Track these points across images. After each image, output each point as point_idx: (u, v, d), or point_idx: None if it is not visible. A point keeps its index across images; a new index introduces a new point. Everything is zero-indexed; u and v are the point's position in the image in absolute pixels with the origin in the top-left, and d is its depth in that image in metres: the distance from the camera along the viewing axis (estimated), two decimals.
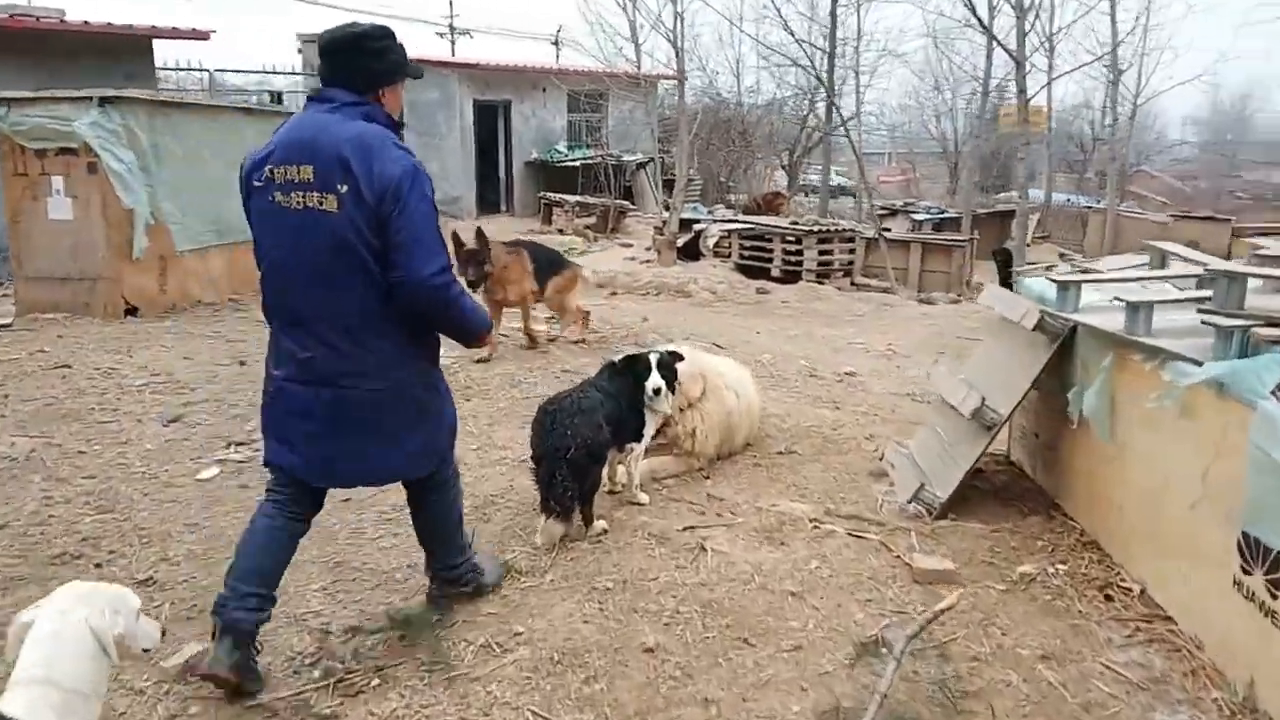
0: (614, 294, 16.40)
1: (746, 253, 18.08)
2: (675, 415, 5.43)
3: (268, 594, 3.08)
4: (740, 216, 20.20)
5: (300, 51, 25.01)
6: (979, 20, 18.08)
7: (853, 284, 17.92)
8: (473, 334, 3.16)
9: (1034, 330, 4.65)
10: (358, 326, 2.89)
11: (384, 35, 2.98)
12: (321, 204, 2.79)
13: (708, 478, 5.53)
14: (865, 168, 21.58)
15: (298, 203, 2.81)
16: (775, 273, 17.67)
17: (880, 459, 5.57)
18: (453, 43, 40.02)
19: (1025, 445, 5.39)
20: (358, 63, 2.91)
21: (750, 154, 30.13)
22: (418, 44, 26.67)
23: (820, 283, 17.50)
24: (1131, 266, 12.85)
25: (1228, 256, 23.94)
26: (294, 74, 24.09)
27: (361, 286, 2.85)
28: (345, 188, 2.77)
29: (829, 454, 5.88)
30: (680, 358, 4.98)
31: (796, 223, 18.45)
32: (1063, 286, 4.58)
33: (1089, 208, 27.03)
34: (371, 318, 2.90)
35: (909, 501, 4.87)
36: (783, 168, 32.19)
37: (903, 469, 5.26)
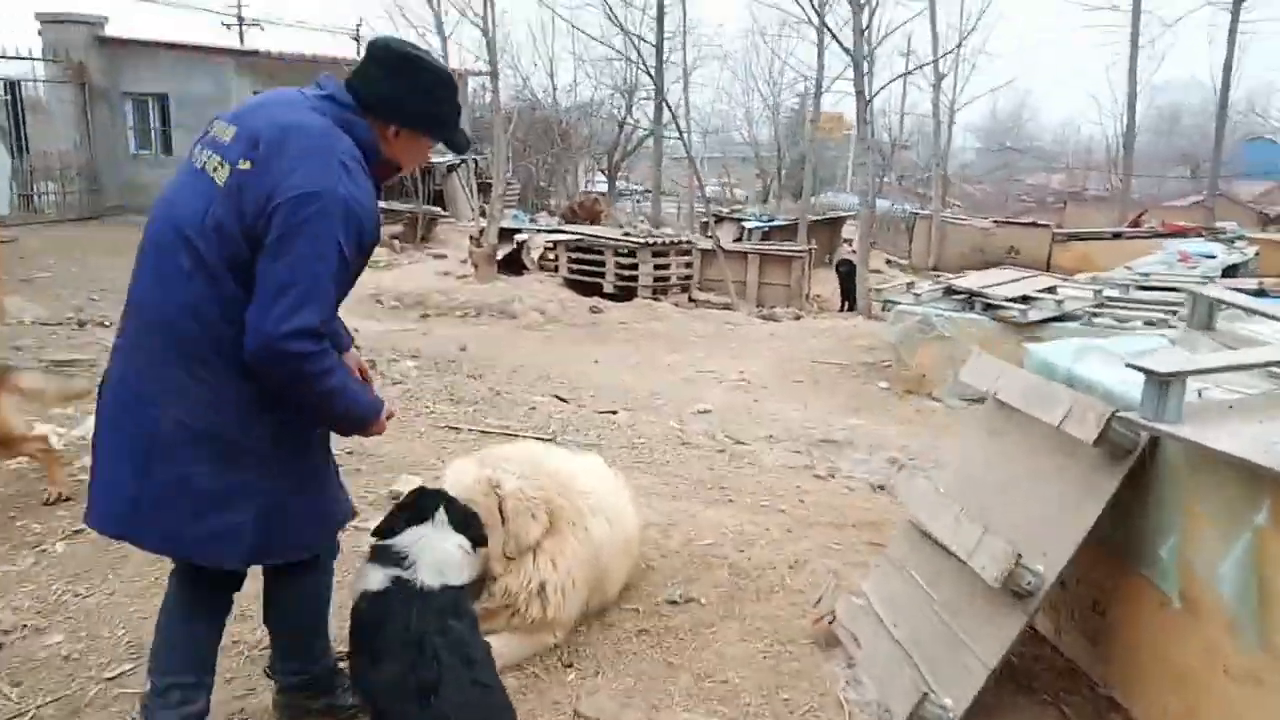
0: (426, 316, 14.12)
1: (576, 267, 16.15)
2: (499, 567, 3.42)
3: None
4: (567, 226, 18.23)
5: (40, 34, 21.16)
6: (816, 11, 16.81)
7: (691, 300, 16.31)
8: (352, 423, 2.52)
9: (1095, 444, 2.90)
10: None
11: (445, 82, 2.52)
12: (215, 171, 2.32)
13: (570, 667, 3.52)
14: (698, 170, 20.06)
15: (200, 162, 2.38)
16: (608, 288, 15.84)
17: (824, 618, 3.70)
18: (241, 35, 36.22)
19: (1058, 605, 3.62)
20: (394, 83, 2.44)
21: (570, 157, 28.25)
22: (193, 31, 23.22)
23: (657, 299, 15.81)
24: (1010, 282, 11.79)
25: (1048, 263, 24.06)
26: (31, 59, 20.33)
27: (203, 285, 2.29)
28: (245, 165, 2.27)
29: (745, 601, 3.98)
30: (475, 519, 3.01)
31: (629, 233, 16.68)
32: (1159, 381, 2.81)
33: (915, 214, 26.67)
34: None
35: None
36: (602, 171, 30.51)
37: (874, 648, 3.41)
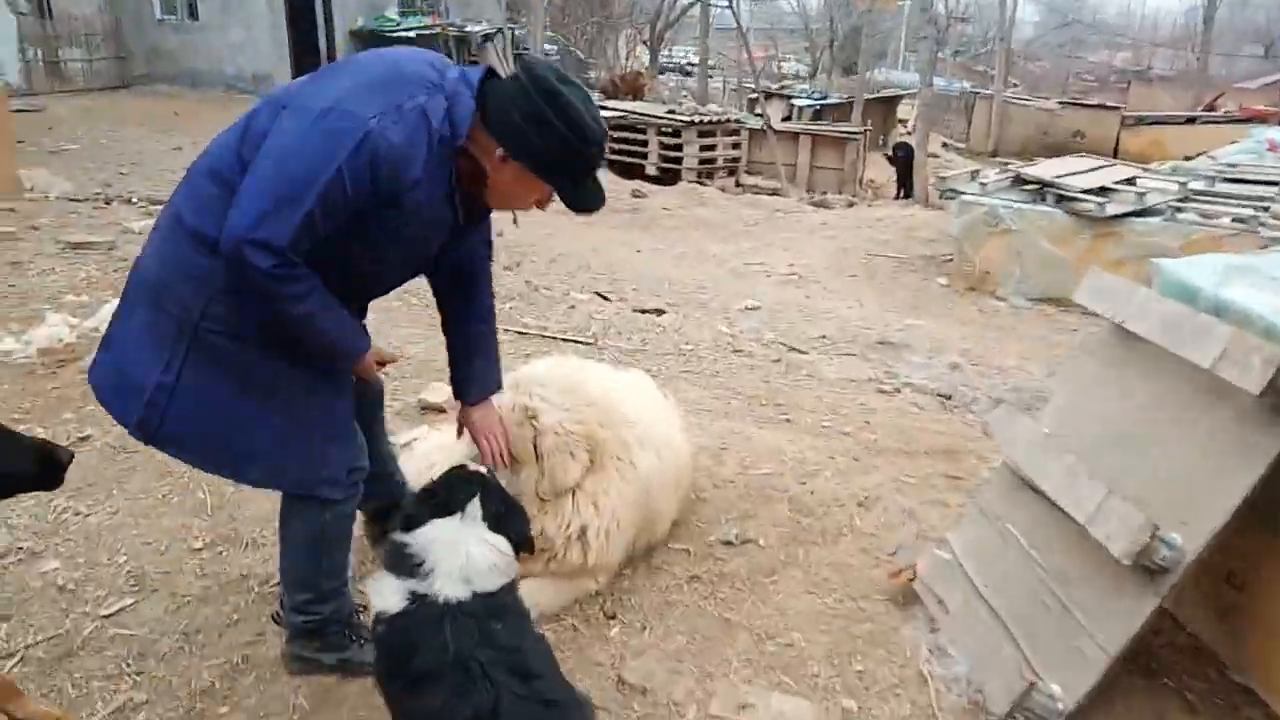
0: None
1: (617, 146, 15.40)
2: (534, 508, 3.00)
3: None
4: (607, 102, 17.35)
5: None
6: None
7: (738, 184, 15.55)
8: (325, 358, 2.37)
9: (1260, 394, 2.37)
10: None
11: (583, 135, 2.14)
12: None
13: (613, 620, 3.13)
14: (747, 42, 18.94)
15: None
16: (651, 170, 15.14)
17: (902, 571, 3.25)
18: None
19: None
20: (526, 108, 2.12)
21: (611, 27, 26.95)
22: None
23: (703, 183, 15.08)
24: (1085, 171, 10.95)
25: (1116, 149, 22.74)
26: None
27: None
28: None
29: (808, 544, 3.54)
30: (517, 515, 2.52)
31: (673, 111, 15.82)
32: None
33: (975, 93, 25.28)
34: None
35: (1010, 716, 2.59)
36: (644, 43, 29.17)
37: (965, 616, 2.97)
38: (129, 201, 10.19)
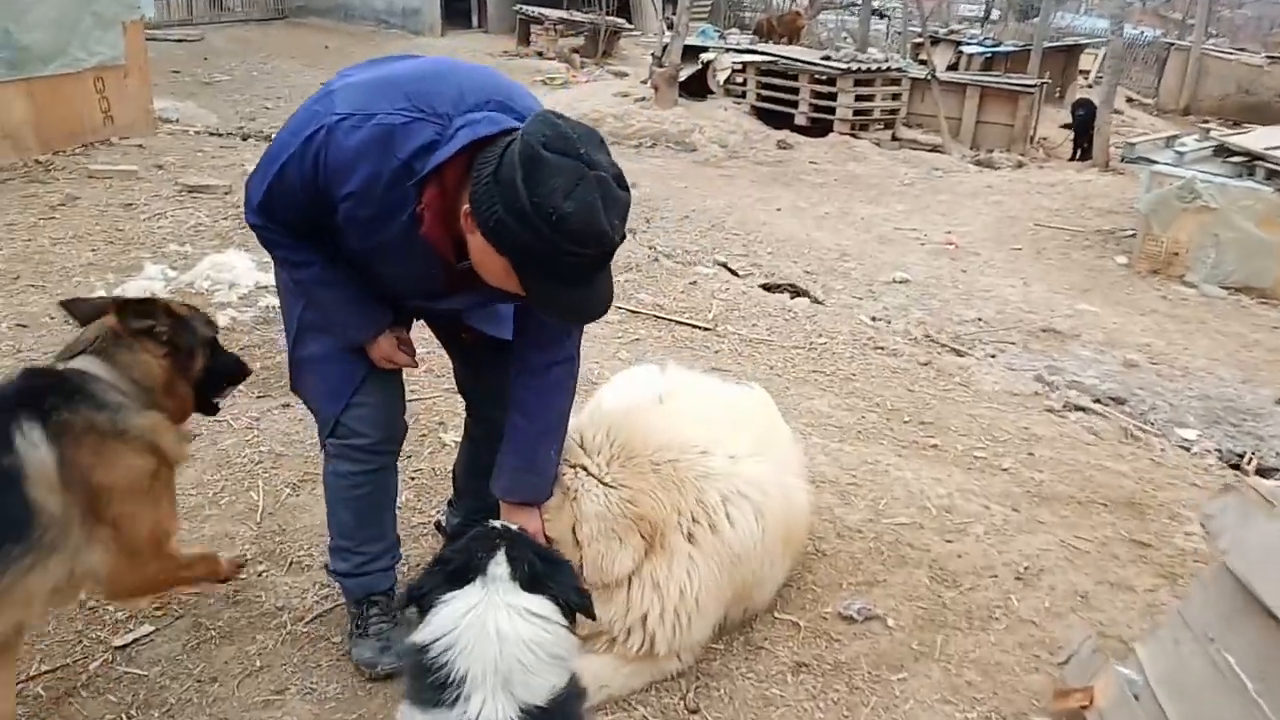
0: None
1: (765, 93, 14.50)
2: (593, 570, 2.46)
3: None
4: (759, 46, 16.36)
5: None
6: None
7: (895, 138, 14.41)
8: (322, 323, 2.42)
9: None
10: None
11: (540, 200, 1.76)
12: None
13: (695, 713, 2.53)
14: None
15: None
16: (801, 120, 14.18)
17: (1073, 693, 2.52)
18: None
19: None
20: (491, 163, 1.84)
21: None
22: None
23: (856, 135, 14.02)
24: None
25: None
26: None
27: None
28: None
29: (950, 629, 2.87)
30: (557, 566, 1.95)
31: (829, 56, 14.74)
32: None
33: (1170, 44, 22.91)
34: None
35: None
36: None
37: None
38: (268, 139, 10.02)
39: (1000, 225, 10.73)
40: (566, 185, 1.73)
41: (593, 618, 1.98)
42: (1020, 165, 13.99)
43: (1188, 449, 4.85)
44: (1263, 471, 4.87)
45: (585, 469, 2.50)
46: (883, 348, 5.18)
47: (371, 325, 2.35)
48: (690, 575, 2.46)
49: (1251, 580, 2.24)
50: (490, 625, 1.72)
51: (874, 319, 5.94)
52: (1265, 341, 7.64)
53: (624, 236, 1.85)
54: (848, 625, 2.86)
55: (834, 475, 3.53)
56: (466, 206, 1.86)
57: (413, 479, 3.55)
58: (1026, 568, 3.12)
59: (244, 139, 10.07)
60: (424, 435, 3.86)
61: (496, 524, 2.05)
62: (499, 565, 1.81)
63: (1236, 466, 4.89)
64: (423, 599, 1.84)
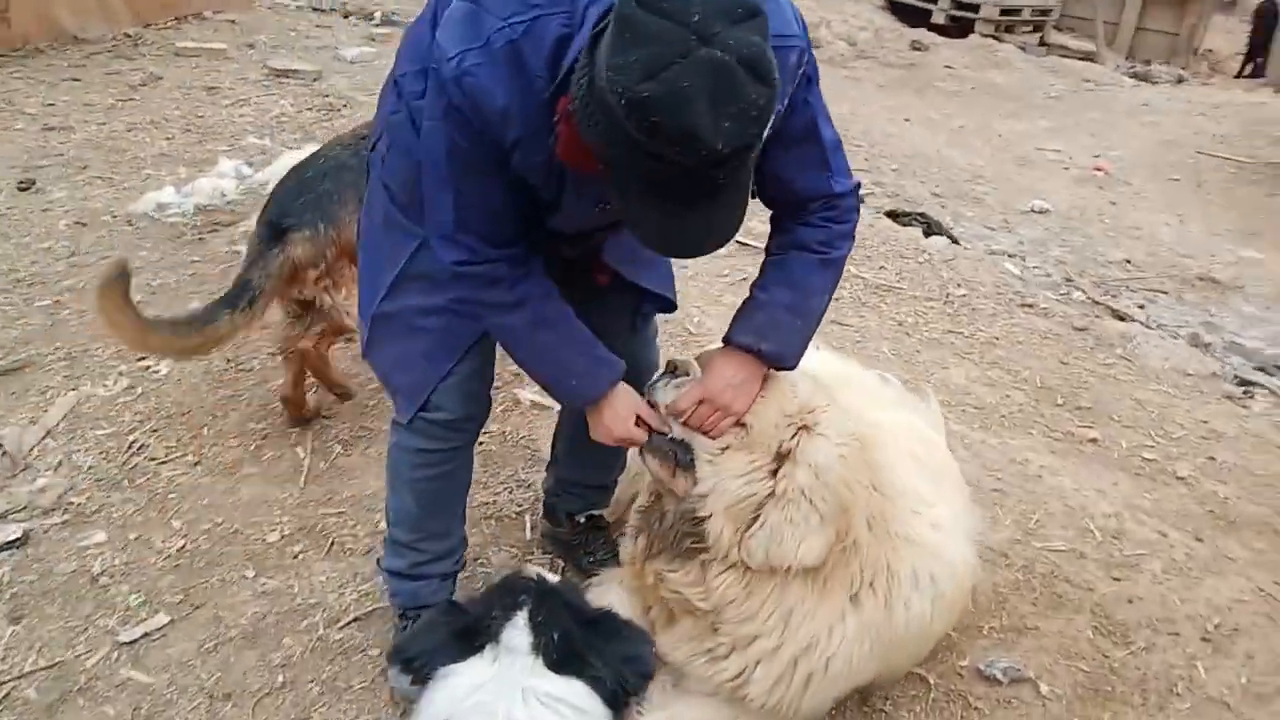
0: None
1: None
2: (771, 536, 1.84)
3: None
4: None
5: None
6: None
7: (1043, 43, 13.11)
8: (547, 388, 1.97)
9: None
10: None
11: (629, 93, 1.32)
12: None
13: None
14: None
15: None
16: (939, 18, 13.03)
17: None
18: None
19: None
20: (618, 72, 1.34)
21: None
22: None
23: (999, 38, 12.79)
24: None
25: None
26: None
27: None
28: None
29: (1117, 704, 2.32)
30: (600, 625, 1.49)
31: None
32: None
33: None
34: None
35: None
36: None
37: None
38: (368, 18, 9.47)
39: (1156, 151, 9.62)
40: (655, 61, 1.30)
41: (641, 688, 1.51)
42: (1181, 80, 12.61)
43: None
44: None
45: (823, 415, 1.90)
46: (1031, 305, 4.47)
47: (605, 376, 1.86)
48: (832, 636, 1.93)
49: None
50: (500, 715, 1.26)
51: (1020, 272, 5.17)
52: None
53: (746, 145, 1.35)
54: (989, 688, 2.32)
55: (974, 477, 2.93)
56: (570, 105, 1.47)
57: (480, 445, 3.08)
58: (1218, 625, 2.51)
59: (345, 16, 9.54)
60: (497, 388, 3.37)
61: (532, 571, 1.56)
62: (518, 633, 1.35)
63: None
64: (418, 665, 1.39)
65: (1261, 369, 4.77)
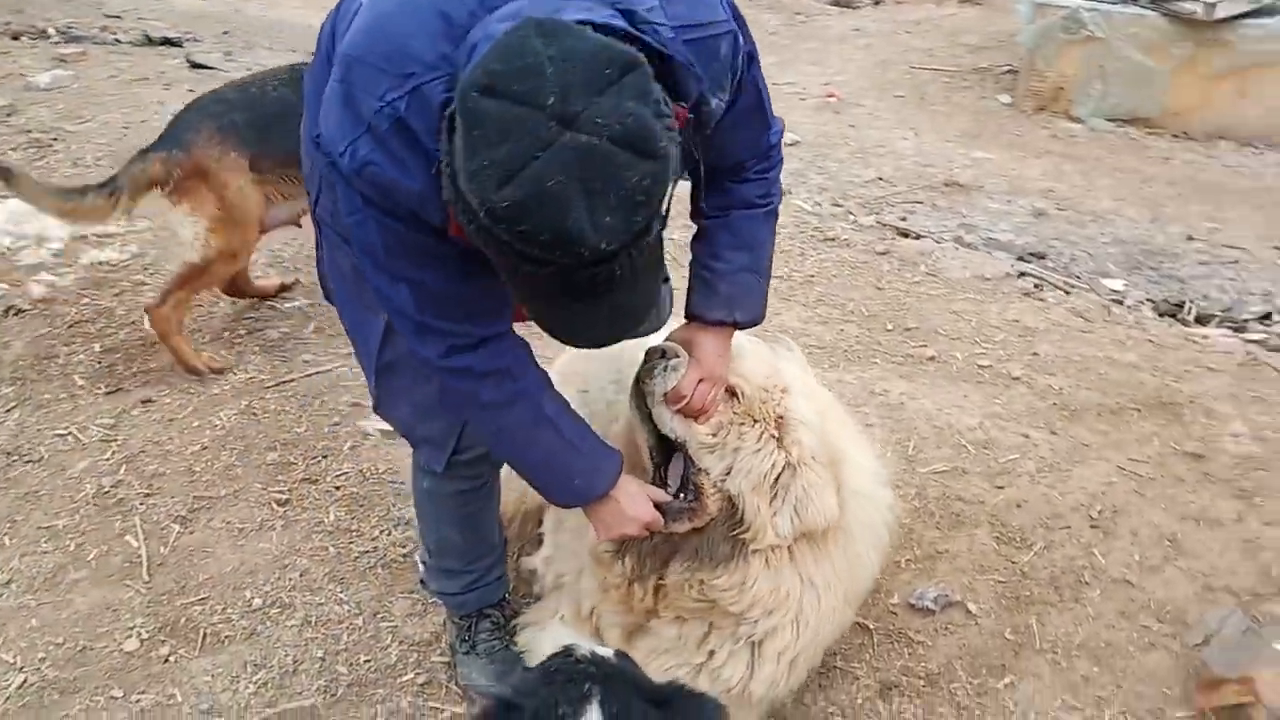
0: None
1: None
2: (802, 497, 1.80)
3: None
4: None
5: None
6: None
7: None
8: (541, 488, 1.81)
9: None
10: None
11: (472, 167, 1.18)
12: None
13: None
14: None
15: None
16: None
17: (1222, 685, 2.11)
18: None
19: None
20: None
21: None
22: None
23: None
24: None
25: None
26: None
27: None
28: None
29: (1039, 606, 2.43)
30: None
31: None
32: None
33: None
34: None
35: None
36: None
37: None
38: (43, 35, 8.37)
39: (875, 71, 10.20)
40: (511, 160, 1.13)
41: None
42: (878, 2, 13.41)
43: (1121, 302, 4.56)
44: (1201, 319, 4.65)
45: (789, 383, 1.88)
46: (832, 239, 4.60)
47: (609, 470, 1.69)
48: (822, 606, 1.88)
49: None
50: None
51: (812, 207, 5.32)
52: (1161, 175, 7.49)
53: (636, 234, 1.19)
54: (925, 620, 2.37)
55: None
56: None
57: (338, 489, 2.81)
58: (1100, 511, 2.69)
59: (14, 38, 8.39)
60: (336, 423, 3.09)
61: (584, 650, 1.39)
62: None
63: (1174, 316, 4.66)
64: None
65: (1022, 259, 5.21)
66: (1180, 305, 4.80)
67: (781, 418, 1.80)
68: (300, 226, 3.54)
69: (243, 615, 2.39)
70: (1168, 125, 8.39)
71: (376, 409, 1.96)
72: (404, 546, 2.60)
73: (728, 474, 1.75)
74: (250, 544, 2.60)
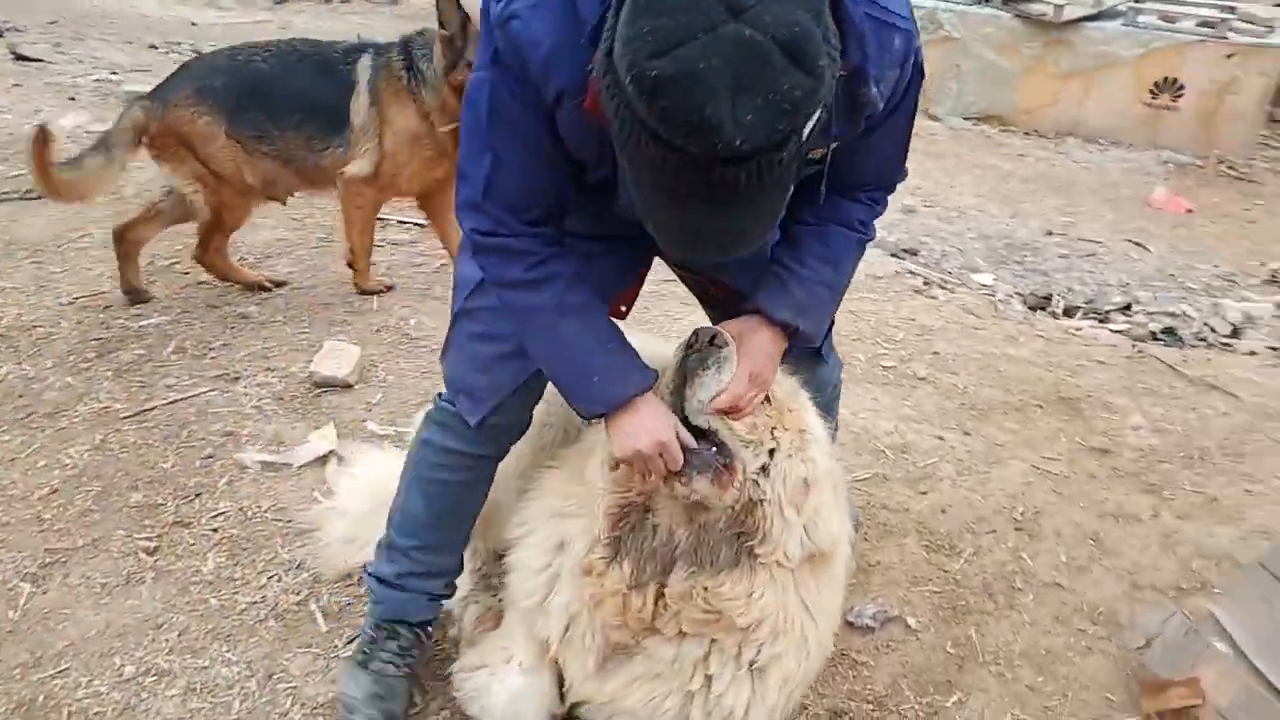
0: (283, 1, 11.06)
1: None
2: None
3: None
4: None
5: None
6: None
7: None
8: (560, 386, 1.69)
9: None
10: None
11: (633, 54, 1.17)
12: None
13: None
14: None
15: None
16: None
17: (1169, 689, 2.10)
18: None
19: None
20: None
21: None
22: None
23: None
24: None
25: None
26: None
27: None
28: None
29: (978, 615, 2.38)
30: None
31: None
32: None
33: None
34: None
35: None
36: None
37: None
38: None
39: None
40: (671, 34, 1.12)
41: None
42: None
43: (991, 295, 4.67)
44: (1068, 311, 4.81)
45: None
46: None
47: (634, 381, 1.61)
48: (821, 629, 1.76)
49: None
50: None
51: None
52: (1017, 171, 7.78)
53: (773, 143, 1.16)
54: (866, 638, 2.28)
55: None
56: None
57: (216, 531, 2.51)
58: (1023, 513, 2.66)
59: None
60: (208, 456, 2.78)
61: None
62: None
63: (1042, 309, 4.80)
64: None
65: (896, 255, 5.28)
66: (1048, 298, 4.95)
67: (803, 431, 1.68)
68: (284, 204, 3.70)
69: (113, 687, 2.08)
70: (1020, 123, 8.73)
71: (441, 355, 1.92)
72: (297, 594, 2.34)
73: (762, 473, 1.61)
74: (116, 602, 2.28)
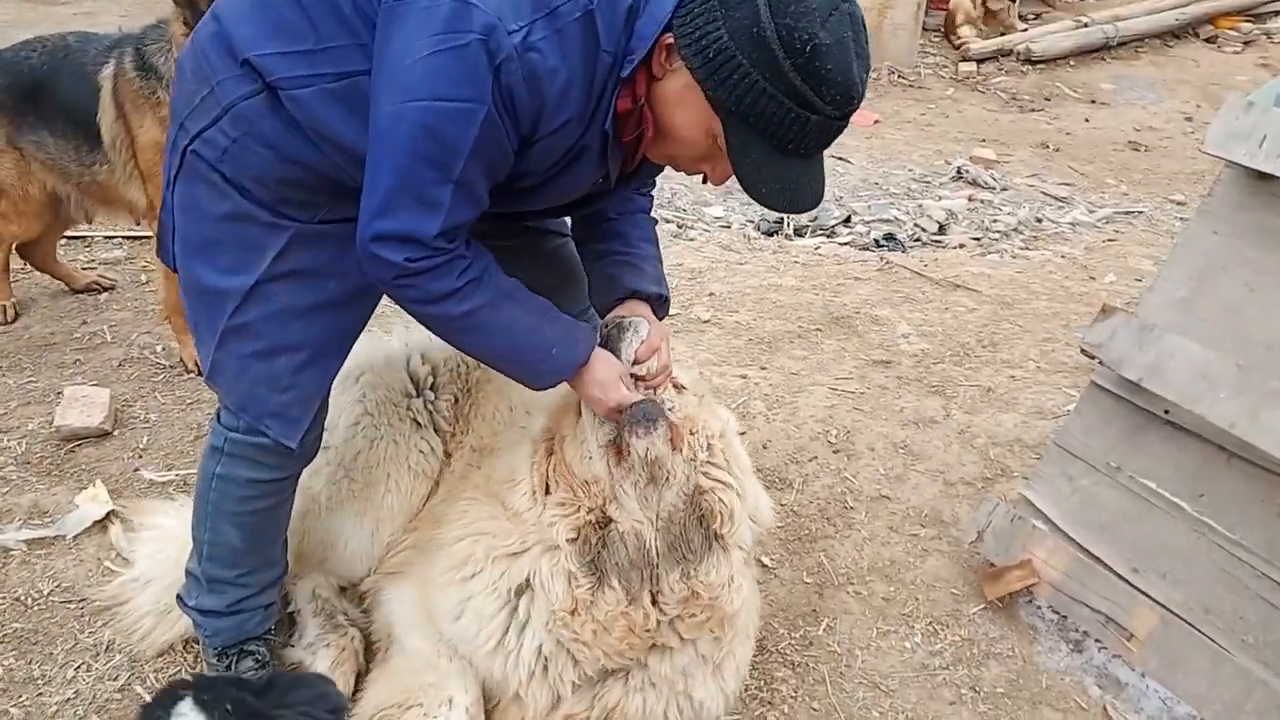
0: None
1: None
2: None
3: None
4: None
5: None
6: None
7: None
8: (517, 370, 1.69)
9: None
10: None
11: (805, 57, 1.35)
12: None
13: None
14: None
15: None
16: None
17: (1008, 572, 2.30)
18: None
19: None
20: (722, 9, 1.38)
21: None
22: None
23: None
24: None
25: None
26: None
27: None
28: None
29: (832, 541, 2.46)
30: None
31: None
32: None
33: None
34: None
35: None
36: None
37: (1168, 636, 2.11)
38: None
39: None
40: (821, 10, 1.33)
41: None
42: None
43: (727, 226, 4.88)
44: (798, 232, 5.11)
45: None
46: None
47: (585, 337, 1.67)
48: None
49: (1181, 399, 2.12)
50: None
51: None
52: None
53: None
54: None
55: None
56: (668, 37, 1.41)
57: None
58: (835, 435, 2.80)
59: None
60: None
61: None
62: (188, 715, 1.18)
63: (774, 233, 5.07)
64: None
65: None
66: (780, 222, 5.21)
67: (722, 419, 1.78)
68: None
69: None
70: None
71: (210, 377, 1.75)
72: (115, 679, 2.03)
73: (708, 452, 1.68)
74: None
